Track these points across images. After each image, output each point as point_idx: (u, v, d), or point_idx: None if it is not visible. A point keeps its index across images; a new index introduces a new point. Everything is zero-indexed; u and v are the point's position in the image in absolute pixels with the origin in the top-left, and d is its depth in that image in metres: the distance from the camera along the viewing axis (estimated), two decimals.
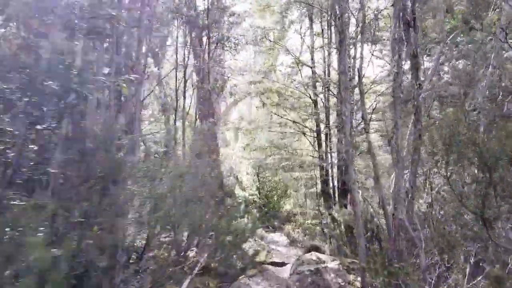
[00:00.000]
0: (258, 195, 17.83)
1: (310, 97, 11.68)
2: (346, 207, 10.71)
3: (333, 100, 12.06)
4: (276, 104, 11.65)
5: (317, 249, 11.22)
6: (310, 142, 12.55)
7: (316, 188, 12.64)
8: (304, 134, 12.30)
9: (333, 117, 12.35)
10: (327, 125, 11.43)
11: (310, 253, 8.35)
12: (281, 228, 16.86)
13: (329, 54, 11.89)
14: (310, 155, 12.31)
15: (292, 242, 13.49)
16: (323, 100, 11.66)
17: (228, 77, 11.44)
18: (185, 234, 11.10)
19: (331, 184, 12.12)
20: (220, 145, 23.38)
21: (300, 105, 11.87)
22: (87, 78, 4.46)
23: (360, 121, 10.93)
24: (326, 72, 11.74)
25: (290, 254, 11.96)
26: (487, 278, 4.22)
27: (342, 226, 8.41)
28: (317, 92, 11.67)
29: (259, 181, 18.14)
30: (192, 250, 11.65)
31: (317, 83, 12.01)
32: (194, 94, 10.70)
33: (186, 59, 10.18)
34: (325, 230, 9.39)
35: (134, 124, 6.25)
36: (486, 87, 5.96)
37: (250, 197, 17.83)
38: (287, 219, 17.92)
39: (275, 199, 17.85)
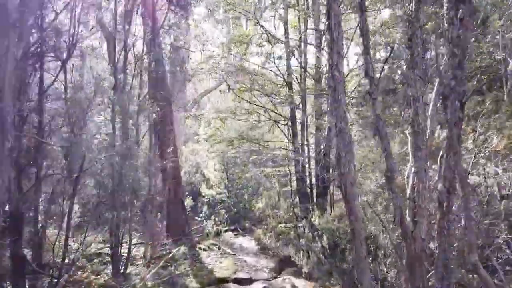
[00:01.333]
0: (227, 193, 15.44)
1: (284, 78, 9.43)
2: (325, 210, 8.53)
3: (310, 82, 9.86)
4: (245, 87, 9.31)
5: (291, 262, 9.00)
6: (284, 133, 10.32)
7: (291, 186, 10.42)
8: (276, 122, 10.03)
9: (310, 104, 10.13)
10: (303, 109, 9.20)
11: (282, 278, 6.12)
12: (252, 230, 14.56)
13: (306, 28, 9.68)
14: (284, 148, 10.08)
15: (263, 250, 11.24)
16: (298, 80, 9.41)
17: (179, 47, 8.96)
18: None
19: (308, 182, 9.93)
20: (184, 138, 20.78)
21: (272, 89, 9.61)
22: None
23: None
24: (302, 49, 9.53)
25: (259, 265, 9.69)
26: None
27: (325, 238, 6.21)
28: (291, 72, 9.44)
29: (228, 178, 15.74)
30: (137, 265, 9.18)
31: (292, 65, 9.78)
32: (136, 70, 8.15)
33: (126, 25, 7.67)
34: (302, 240, 7.16)
35: None
36: None
37: (218, 196, 15.41)
38: (259, 220, 15.67)
39: (246, 198, 15.53)
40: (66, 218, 7.02)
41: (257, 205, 16.08)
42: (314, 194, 9.90)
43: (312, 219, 6.96)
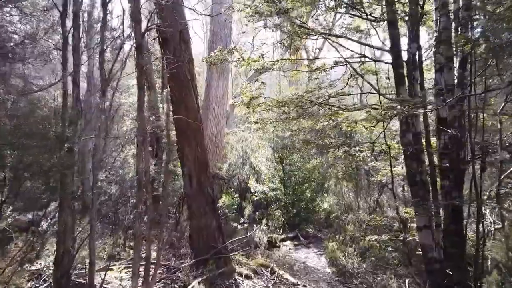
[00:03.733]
0: (283, 189, 11.16)
1: None
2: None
3: None
4: None
5: None
6: (374, 86, 5.76)
7: (391, 171, 5.75)
8: (364, 61, 5.43)
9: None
10: (413, 22, 4.51)
11: None
12: (319, 239, 10.05)
13: None
14: (376, 107, 5.52)
15: (341, 275, 6.71)
16: None
17: None
18: None
19: (426, 162, 5.23)
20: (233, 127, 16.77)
21: None
22: None
23: None
24: None
25: None
26: None
27: None
28: None
29: (283, 170, 11.45)
30: None
31: None
32: None
33: None
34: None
35: None
36: None
37: (271, 192, 11.18)
38: (326, 224, 11.17)
39: (308, 195, 11.09)
40: None
41: (323, 205, 11.57)
42: (438, 183, 5.14)
43: None
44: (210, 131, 12.35)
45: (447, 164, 4.99)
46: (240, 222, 8.60)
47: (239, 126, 14.66)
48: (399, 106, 4.41)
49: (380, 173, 7.03)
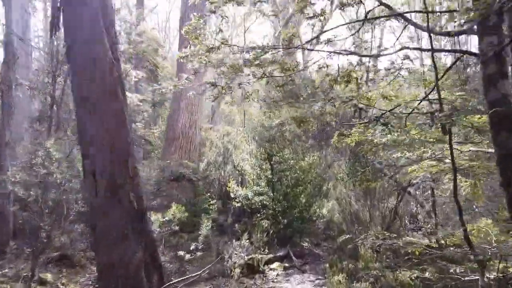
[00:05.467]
0: (272, 194, 8.48)
1: None
2: None
3: None
4: None
5: None
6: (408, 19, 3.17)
7: (452, 160, 3.02)
8: None
9: None
10: None
11: None
12: (316, 258, 7.41)
13: None
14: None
15: None
16: None
17: None
18: None
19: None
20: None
21: None
22: None
23: None
24: None
25: None
26: None
27: None
28: None
29: (272, 169, 8.76)
30: None
31: None
32: None
33: None
34: None
35: None
36: None
37: (256, 198, 8.48)
38: (325, 236, 8.60)
39: (303, 200, 8.40)
40: None
41: (321, 211, 8.86)
42: None
43: None
44: (182, 121, 9.68)
45: None
46: (191, 249, 5.76)
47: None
48: None
49: (410, 168, 4.38)
